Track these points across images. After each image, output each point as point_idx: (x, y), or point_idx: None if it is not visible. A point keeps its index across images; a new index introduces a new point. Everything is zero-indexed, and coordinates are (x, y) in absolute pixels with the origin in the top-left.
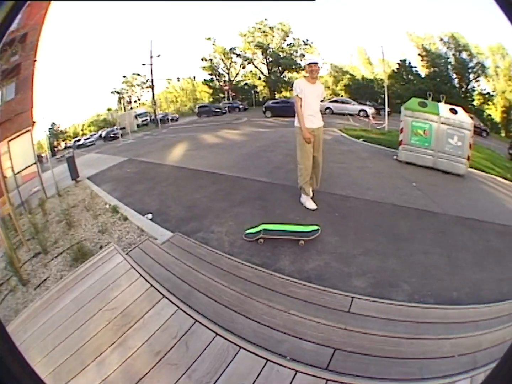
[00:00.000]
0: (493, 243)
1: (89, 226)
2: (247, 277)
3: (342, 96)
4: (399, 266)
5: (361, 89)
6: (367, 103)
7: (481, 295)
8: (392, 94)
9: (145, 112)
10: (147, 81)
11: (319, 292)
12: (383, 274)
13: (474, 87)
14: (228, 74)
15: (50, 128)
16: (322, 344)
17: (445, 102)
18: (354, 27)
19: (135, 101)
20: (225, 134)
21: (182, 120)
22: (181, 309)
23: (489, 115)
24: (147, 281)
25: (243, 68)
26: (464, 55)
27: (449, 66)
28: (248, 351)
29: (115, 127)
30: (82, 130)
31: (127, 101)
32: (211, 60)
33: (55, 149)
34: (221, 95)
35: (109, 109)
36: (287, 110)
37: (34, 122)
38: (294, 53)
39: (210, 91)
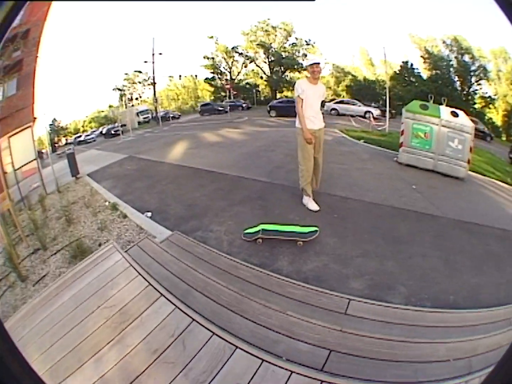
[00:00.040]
0: (492, 247)
1: (88, 223)
2: (245, 277)
3: (343, 96)
4: (397, 268)
5: (362, 90)
6: (372, 104)
7: (478, 299)
8: (393, 95)
9: (147, 109)
10: (148, 78)
11: (316, 293)
12: (380, 276)
13: (475, 90)
14: (230, 72)
15: (51, 124)
16: (317, 345)
17: (447, 105)
18: (356, 28)
19: (137, 98)
20: (225, 133)
21: (184, 118)
22: (178, 308)
23: (490, 118)
24: (145, 279)
25: (245, 67)
26: (466, 58)
27: (451, 69)
28: (244, 351)
29: (116, 124)
30: (83, 126)
31: (128, 98)
32: (213, 58)
33: (56, 145)
34: (223, 93)
35: (110, 106)
36: (291, 110)
37: (35, 118)
38: (296, 53)
39: (212, 89)
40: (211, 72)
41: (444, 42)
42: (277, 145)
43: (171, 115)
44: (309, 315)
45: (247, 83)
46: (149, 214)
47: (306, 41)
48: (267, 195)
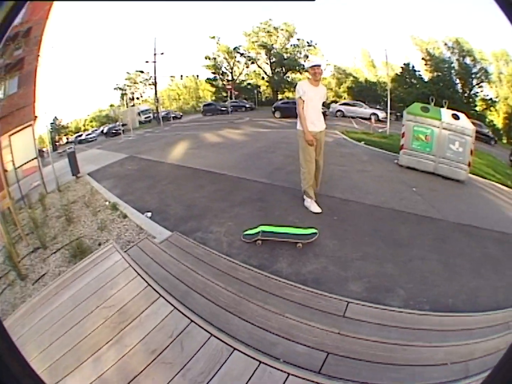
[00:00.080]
0: (491, 250)
1: (88, 222)
2: (244, 279)
3: (345, 98)
4: (396, 271)
5: (364, 92)
6: (377, 106)
7: (477, 302)
8: (395, 97)
9: (149, 109)
10: (150, 78)
11: (315, 295)
12: (380, 279)
13: (477, 92)
14: (231, 73)
15: (52, 123)
16: (315, 347)
17: (448, 107)
18: (358, 29)
19: (138, 98)
20: (226, 133)
21: (185, 118)
22: (177, 309)
23: (491, 121)
24: (144, 280)
25: (247, 67)
26: (467, 60)
27: (453, 71)
28: (242, 352)
29: (117, 123)
30: (84, 125)
31: (129, 97)
32: (214, 58)
33: (57, 143)
34: (224, 94)
35: (111, 105)
36: (296, 111)
37: (36, 116)
38: (298, 54)
39: (213, 89)
40: (213, 73)
41: (445, 44)
42: (277, 146)
43: (173, 115)
44: (307, 317)
45: (248, 84)
46: (149, 214)
47: (308, 42)
48: (267, 197)
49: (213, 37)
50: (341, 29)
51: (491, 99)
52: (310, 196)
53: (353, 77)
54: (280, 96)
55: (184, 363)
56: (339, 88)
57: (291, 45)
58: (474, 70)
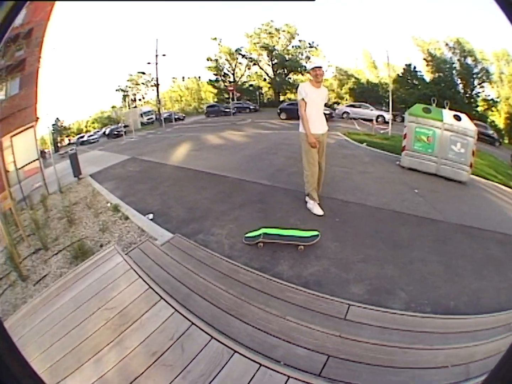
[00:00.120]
0: (493, 251)
1: (90, 224)
2: (245, 281)
3: (346, 99)
4: (398, 273)
5: (365, 93)
6: (383, 108)
7: (479, 304)
8: (396, 98)
9: (151, 110)
10: (152, 79)
11: (316, 298)
12: (381, 281)
13: (478, 93)
14: (233, 74)
15: (54, 124)
16: (316, 350)
17: (450, 108)
18: (360, 30)
19: (140, 99)
20: (228, 135)
21: (186, 120)
22: (178, 311)
23: (493, 121)
24: (145, 282)
25: (248, 69)
26: (469, 60)
27: (454, 72)
28: (242, 355)
29: (119, 124)
30: (86, 126)
31: (131, 99)
32: (216, 60)
33: (59, 145)
34: (226, 95)
35: (113, 107)
36: None
37: (38, 117)
38: (300, 55)
39: (215, 91)
40: (215, 74)
41: (447, 44)
42: (279, 148)
43: (176, 117)
44: (308, 320)
45: (250, 85)
46: (151, 216)
47: (309, 44)
48: (268, 199)
49: (215, 39)
50: (342, 30)
51: (492, 99)
52: (313, 198)
53: (355, 78)
54: (282, 98)
55: (184, 366)
56: (341, 89)
57: (292, 47)
58: (476, 70)
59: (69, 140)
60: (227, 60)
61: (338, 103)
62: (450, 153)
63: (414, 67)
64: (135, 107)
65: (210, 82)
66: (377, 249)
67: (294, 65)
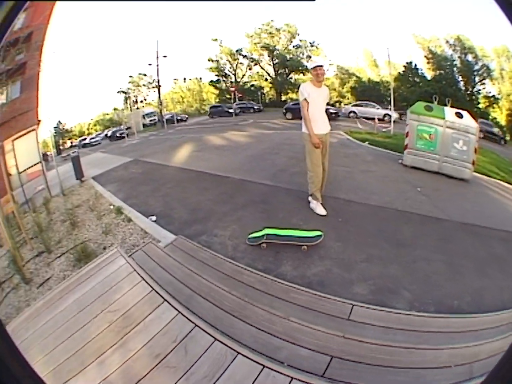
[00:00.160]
0: (496, 250)
1: (93, 226)
2: (248, 282)
3: (348, 98)
4: (401, 273)
5: (367, 92)
6: (389, 107)
7: (482, 303)
8: (398, 96)
9: (153, 112)
10: (153, 81)
11: (320, 298)
12: (384, 281)
13: (479, 90)
14: (234, 75)
15: (55, 127)
16: (319, 351)
17: (451, 106)
18: (360, 29)
19: (141, 101)
20: (230, 135)
21: (189, 121)
22: (181, 313)
23: (495, 118)
24: (148, 284)
25: (250, 69)
26: (469, 57)
27: (455, 69)
28: (246, 356)
29: (121, 126)
30: (88, 129)
31: (133, 101)
32: (217, 61)
33: (61, 147)
34: (228, 96)
35: (115, 109)
36: None
37: (39, 120)
38: (301, 55)
39: (217, 92)
40: (216, 75)
41: (447, 41)
42: (281, 148)
43: (178, 118)
44: (312, 321)
45: (252, 86)
46: (154, 218)
47: (310, 43)
48: (271, 199)
49: (216, 40)
50: (343, 29)
51: (493, 96)
52: (317, 198)
53: (356, 77)
54: (284, 98)
55: (188, 367)
56: (343, 88)
57: (293, 46)
58: (476, 67)
59: (71, 142)
60: (228, 60)
61: (340, 102)
62: (453, 150)
63: (415, 65)
64: (137, 108)
65: (212, 83)
66: (380, 249)
67: (296, 64)
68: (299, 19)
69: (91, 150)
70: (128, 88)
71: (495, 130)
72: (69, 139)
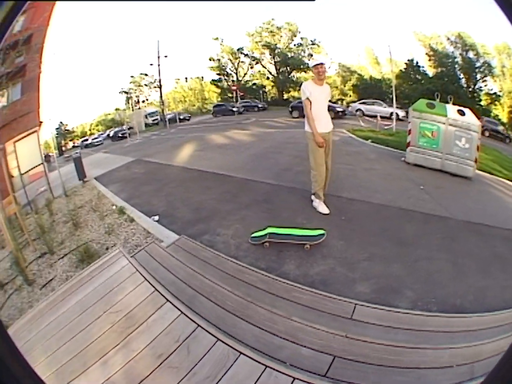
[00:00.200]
0: (499, 249)
1: (95, 227)
2: (251, 282)
3: (350, 96)
4: (404, 272)
5: (369, 89)
6: (397, 105)
7: (485, 302)
8: (400, 94)
9: (156, 111)
10: (155, 81)
11: (322, 298)
12: (387, 280)
13: (481, 87)
14: (236, 74)
15: (57, 128)
16: (322, 351)
17: (453, 103)
18: (361, 26)
19: (143, 101)
20: (233, 134)
21: (191, 120)
22: (184, 313)
23: (497, 115)
24: (151, 285)
25: (251, 68)
26: (471, 54)
27: (456, 66)
28: (248, 356)
29: (123, 126)
30: (90, 129)
31: (135, 101)
32: (218, 60)
33: (63, 148)
34: (230, 95)
35: (117, 109)
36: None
37: (41, 122)
38: (302, 53)
39: (218, 91)
40: (217, 74)
41: (448, 39)
42: (284, 146)
43: (181, 117)
44: (314, 320)
45: (253, 84)
46: (156, 217)
47: (311, 41)
48: (274, 198)
49: (217, 39)
50: (344, 26)
51: (495, 93)
52: (319, 197)
53: (358, 74)
54: (285, 96)
55: (190, 368)
56: (344, 86)
57: (294, 44)
58: (478, 64)
59: (73, 143)
60: (229, 59)
61: (342, 100)
62: (455, 148)
63: (417, 62)
64: (139, 108)
65: (213, 81)
66: (383, 247)
67: (297, 62)
68: (300, 17)
69: (93, 151)
70: (130, 88)
71: (500, 128)
72: (71, 139)
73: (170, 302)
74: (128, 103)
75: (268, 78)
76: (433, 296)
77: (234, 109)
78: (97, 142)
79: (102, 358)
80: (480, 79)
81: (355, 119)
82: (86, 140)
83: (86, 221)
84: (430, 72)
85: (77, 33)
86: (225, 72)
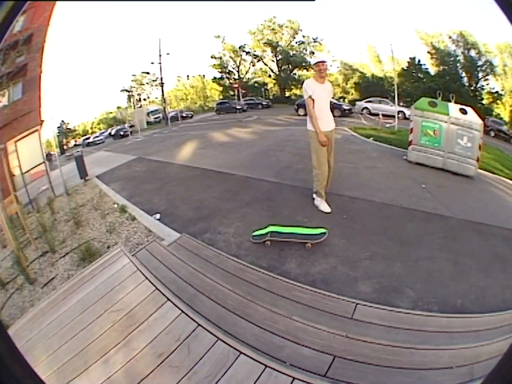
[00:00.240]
0: (499, 248)
1: (97, 225)
2: (252, 280)
3: (352, 94)
4: (405, 271)
5: (371, 87)
6: (401, 104)
7: (486, 302)
8: (402, 92)
9: (158, 109)
10: (156, 79)
11: (323, 297)
12: (388, 279)
13: (483, 85)
14: (238, 71)
15: (59, 126)
16: (322, 351)
17: (455, 102)
18: (363, 24)
19: (145, 99)
20: (234, 132)
21: (193, 118)
22: (184, 312)
23: (498, 114)
24: (152, 284)
25: (253, 66)
26: (472, 53)
27: (458, 64)
28: (248, 356)
29: (125, 125)
30: (91, 128)
31: (137, 99)
32: (220, 58)
33: (64, 147)
34: (231, 92)
35: (118, 107)
36: None
37: (42, 121)
38: (304, 51)
39: (220, 88)
40: (219, 72)
41: (450, 37)
42: (285, 144)
43: (184, 115)
44: (315, 320)
45: (255, 82)
46: (158, 216)
47: (313, 39)
48: (275, 196)
49: (218, 36)
50: (346, 24)
51: (497, 92)
52: (321, 196)
53: (360, 72)
54: (287, 94)
55: (190, 367)
56: (346, 84)
57: (296, 42)
58: (479, 63)
59: (75, 141)
60: (231, 57)
61: (344, 98)
62: (457, 147)
63: (419, 61)
64: (140, 106)
65: (215, 79)
66: (385, 246)
67: (299, 60)
68: (301, 15)
69: (95, 149)
70: (131, 87)
71: (505, 128)
72: (72, 138)
73: (171, 301)
74: (130, 101)
75: (270, 76)
76: (434, 295)
77: (238, 106)
78: (98, 140)
79: (103, 357)
80: (482, 77)
81: (357, 117)
82: (88, 138)
83: (88, 220)
84: (432, 70)
85: (78, 32)
86: (227, 70)
